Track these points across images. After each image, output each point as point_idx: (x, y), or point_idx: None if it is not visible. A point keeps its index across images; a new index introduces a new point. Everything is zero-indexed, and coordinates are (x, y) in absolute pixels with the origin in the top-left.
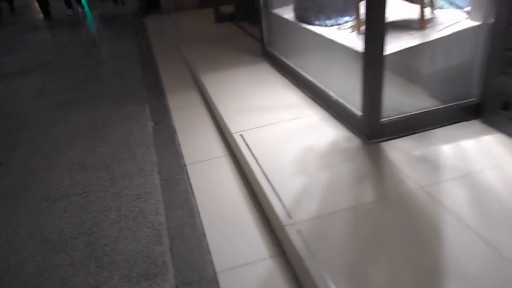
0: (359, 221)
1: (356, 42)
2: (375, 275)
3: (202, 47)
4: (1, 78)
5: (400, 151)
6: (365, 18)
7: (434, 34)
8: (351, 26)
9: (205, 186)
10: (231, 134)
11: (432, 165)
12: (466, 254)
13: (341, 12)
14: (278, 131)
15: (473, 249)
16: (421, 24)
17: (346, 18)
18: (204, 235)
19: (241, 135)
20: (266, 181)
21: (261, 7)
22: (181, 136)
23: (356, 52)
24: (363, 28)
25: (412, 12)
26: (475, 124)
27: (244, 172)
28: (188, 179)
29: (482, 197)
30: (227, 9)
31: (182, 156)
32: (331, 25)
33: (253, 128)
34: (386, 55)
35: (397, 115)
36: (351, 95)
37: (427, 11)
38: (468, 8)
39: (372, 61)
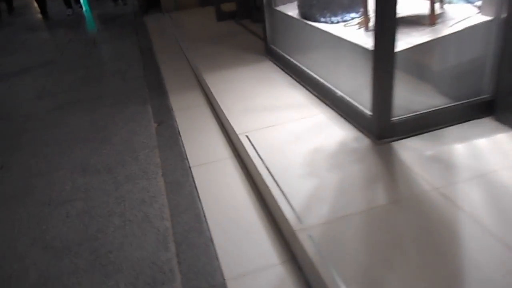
0: (372, 225)
1: (364, 39)
2: (390, 281)
3: (203, 46)
4: (1, 79)
5: (411, 151)
6: (373, 14)
7: (445, 30)
8: (358, 23)
9: (211, 189)
10: (236, 135)
11: (446, 165)
12: (486, 258)
13: (347, 8)
14: (284, 131)
15: (493, 253)
16: (431, 19)
17: (353, 15)
18: (211, 240)
19: (246, 136)
20: (275, 184)
21: (264, 5)
22: (185, 137)
23: (365, 49)
24: (371, 24)
25: (422, 7)
26: (487, 122)
27: (250, 174)
28: (193, 182)
29: (500, 198)
30: (228, 7)
31: (186, 158)
32: (337, 22)
33: (259, 129)
34: (397, 52)
35: (407, 114)
36: (359, 94)
37: (437, 6)
38: (479, 3)
39: (383, 58)
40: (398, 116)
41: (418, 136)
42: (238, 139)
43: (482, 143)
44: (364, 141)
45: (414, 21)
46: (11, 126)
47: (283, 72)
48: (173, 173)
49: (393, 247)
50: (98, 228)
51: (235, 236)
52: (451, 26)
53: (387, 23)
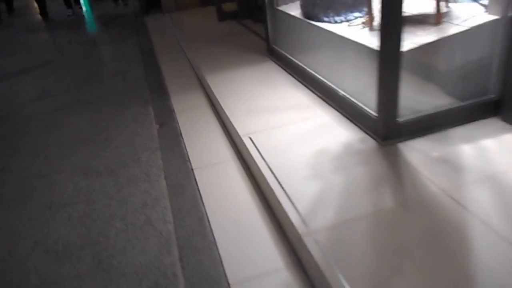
0: (379, 229)
1: (369, 38)
2: (398, 286)
3: (205, 46)
4: (1, 80)
5: (418, 152)
6: (377, 14)
7: (451, 29)
8: (362, 22)
9: (214, 191)
10: (239, 136)
11: (453, 166)
12: (496, 261)
13: (351, 8)
14: (288, 133)
15: (503, 256)
16: (437, 18)
17: (356, 14)
18: (215, 244)
19: (250, 137)
20: (279, 186)
21: (266, 5)
22: (187, 139)
23: (370, 49)
24: (375, 24)
25: (427, 6)
26: (494, 122)
27: (254, 177)
28: (196, 184)
29: (509, 199)
30: (229, 7)
31: (188, 160)
32: (341, 22)
33: (262, 130)
34: (402, 52)
35: (413, 115)
36: (364, 94)
37: (442, 4)
38: (486, 1)
39: (389, 58)
40: (403, 117)
41: (424, 137)
42: (241, 140)
43: (489, 143)
44: (369, 143)
45: (419, 20)
46: (12, 128)
47: (285, 72)
48: (176, 176)
49: (400, 250)
50: (100, 232)
51: (239, 240)
52: (457, 25)
53: (393, 22)
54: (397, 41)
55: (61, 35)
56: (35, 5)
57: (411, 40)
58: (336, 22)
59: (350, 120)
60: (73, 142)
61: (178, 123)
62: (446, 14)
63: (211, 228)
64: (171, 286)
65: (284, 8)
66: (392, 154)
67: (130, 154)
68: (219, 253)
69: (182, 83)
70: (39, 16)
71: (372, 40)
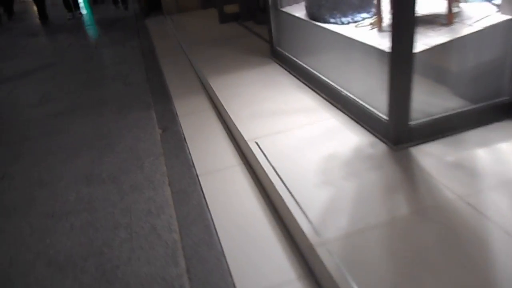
0: (395, 238)
1: (378, 40)
2: None
3: (207, 49)
4: (2, 84)
5: (431, 157)
6: (386, 14)
7: (463, 30)
8: (371, 23)
9: (220, 198)
10: (245, 141)
11: (469, 171)
12: None
13: (358, 8)
14: (295, 137)
15: None
16: (448, 19)
17: (363, 15)
18: (223, 254)
19: (256, 142)
20: (288, 193)
21: (269, 6)
22: (191, 144)
23: (381, 51)
24: (385, 25)
25: (437, 5)
26: (508, 125)
27: (261, 183)
28: (202, 191)
29: None
30: (231, 9)
31: (193, 166)
32: (348, 23)
33: (269, 135)
34: (414, 53)
35: (425, 118)
36: (373, 97)
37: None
38: (498, 1)
39: (400, 60)
40: (415, 120)
41: (437, 141)
42: (247, 145)
43: (505, 147)
44: (380, 147)
45: (430, 21)
46: (12, 133)
47: (290, 75)
48: (180, 182)
49: (418, 261)
50: (104, 242)
51: (248, 249)
52: (469, 25)
53: (405, 23)
54: (410, 42)
55: (62, 38)
56: (35, 8)
57: (422, 41)
58: (342, 23)
59: (359, 124)
60: (74, 148)
61: (181, 128)
62: (458, 14)
63: (218, 237)
64: None
65: (288, 9)
66: (404, 159)
67: (133, 160)
68: (227, 264)
69: (184, 86)
70: (39, 20)
71: (382, 42)
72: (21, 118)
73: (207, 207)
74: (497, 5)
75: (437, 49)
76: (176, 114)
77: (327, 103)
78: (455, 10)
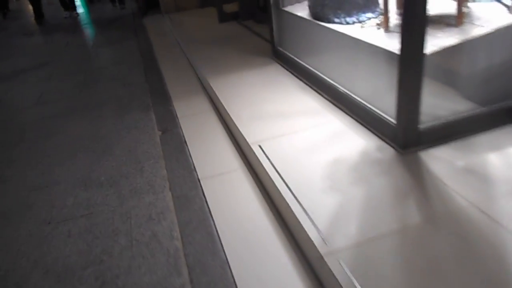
0: (407, 248)
1: (386, 40)
2: None
3: (207, 49)
4: None
5: (441, 162)
6: (393, 14)
7: (474, 31)
8: (377, 24)
9: (223, 204)
10: (248, 144)
11: (481, 177)
12: None
13: (363, 8)
14: (299, 140)
15: None
16: (458, 19)
17: (369, 15)
18: (227, 263)
19: (259, 146)
20: (294, 200)
21: (271, 5)
22: (191, 146)
23: (389, 52)
24: (392, 25)
25: (446, 6)
26: None
27: (265, 188)
28: (204, 196)
29: None
30: (231, 7)
31: (194, 170)
32: (353, 23)
33: (272, 138)
34: (425, 55)
35: (434, 121)
36: (380, 99)
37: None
38: (509, 2)
39: (410, 62)
40: (424, 124)
41: (446, 145)
42: (250, 149)
43: None
44: (388, 151)
45: (439, 21)
46: (8, 135)
47: (292, 76)
48: (181, 187)
49: (432, 271)
50: (103, 249)
51: (253, 258)
52: (479, 26)
53: (416, 24)
54: (420, 44)
55: (58, 38)
56: (30, 7)
57: (431, 42)
58: (347, 23)
59: (365, 127)
60: (72, 150)
61: (181, 129)
62: (467, 14)
63: (222, 245)
64: None
65: (290, 9)
66: (413, 164)
67: (133, 163)
68: (232, 274)
69: (184, 86)
70: (34, 19)
71: (389, 42)
72: (17, 119)
73: (210, 213)
74: (507, 6)
75: (447, 51)
76: (176, 115)
77: (331, 105)
78: (464, 10)
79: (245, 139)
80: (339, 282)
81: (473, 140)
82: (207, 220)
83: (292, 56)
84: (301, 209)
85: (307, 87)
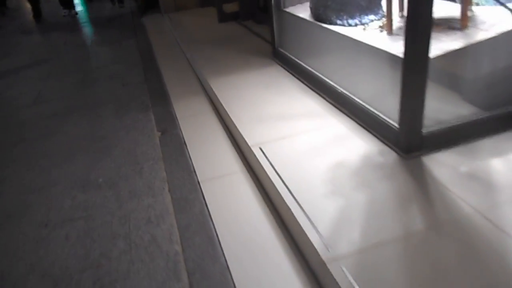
0: (411, 255)
1: (389, 43)
2: None
3: (206, 49)
4: None
5: (445, 167)
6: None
7: (478, 35)
8: (380, 26)
9: (223, 207)
10: (248, 147)
11: (485, 183)
12: None
13: (365, 10)
14: (301, 143)
15: None
16: (462, 23)
17: (371, 17)
18: (227, 268)
19: (260, 148)
20: (296, 204)
21: (272, 6)
22: (191, 147)
23: (392, 55)
24: (396, 27)
25: (450, 9)
26: None
27: (266, 191)
28: (204, 198)
29: None
30: (231, 7)
31: (194, 172)
32: (355, 25)
33: (273, 140)
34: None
35: (437, 126)
36: (383, 103)
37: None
38: None
39: (415, 66)
40: (427, 128)
41: (449, 149)
42: (251, 151)
43: None
44: (390, 155)
45: (443, 24)
46: (5, 135)
47: (292, 77)
48: (181, 189)
49: (436, 279)
50: (101, 253)
51: (254, 264)
52: (484, 30)
53: (421, 27)
54: (425, 47)
55: (56, 36)
56: (28, 5)
57: (435, 46)
58: (350, 25)
59: (367, 130)
60: (70, 151)
61: (181, 130)
62: (470, 18)
63: (222, 249)
64: None
65: (291, 9)
66: (416, 169)
67: (131, 165)
68: (232, 280)
69: (183, 87)
70: (32, 17)
71: (393, 45)
72: (15, 118)
73: (210, 216)
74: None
75: (451, 55)
76: (175, 116)
77: (333, 107)
78: (468, 14)
79: (246, 141)
80: None
81: (476, 145)
82: (207, 223)
83: (293, 58)
84: (303, 214)
85: (308, 89)
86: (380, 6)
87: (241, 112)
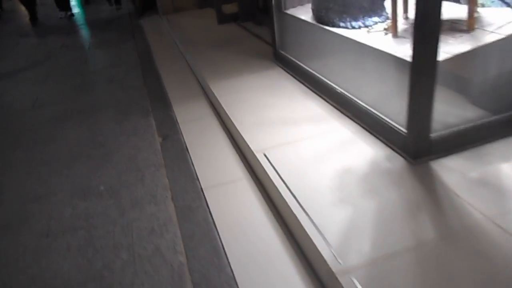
0: (424, 265)
1: (395, 46)
2: None
3: (206, 51)
4: None
5: (453, 172)
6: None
7: (485, 37)
8: (385, 28)
9: (228, 216)
10: (252, 152)
11: (494, 188)
12: None
13: (369, 12)
14: (306, 148)
15: None
16: (470, 25)
17: (375, 19)
18: (234, 279)
19: (264, 154)
20: (303, 213)
21: (273, 8)
22: (193, 153)
23: (399, 59)
24: (401, 30)
25: (456, 10)
26: None
27: (271, 199)
28: (208, 207)
29: None
30: (230, 8)
31: (197, 179)
32: (359, 27)
33: (277, 146)
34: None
35: (445, 130)
36: (389, 107)
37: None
38: None
39: (423, 69)
40: (435, 132)
41: (457, 154)
42: (255, 157)
43: None
44: (398, 161)
45: (450, 27)
46: (3, 140)
47: (295, 80)
48: (184, 197)
49: None
50: (104, 264)
51: (261, 275)
52: (492, 32)
53: (429, 29)
54: (434, 50)
55: (53, 39)
56: (23, 8)
57: (443, 48)
58: (353, 27)
59: (373, 135)
60: (69, 158)
61: (182, 136)
62: (477, 19)
63: (227, 259)
64: None
65: (292, 11)
66: (425, 175)
67: (133, 172)
68: None
69: (183, 90)
70: (28, 20)
71: (399, 48)
72: (12, 124)
73: (214, 225)
74: None
75: (459, 58)
76: (176, 120)
77: (337, 111)
78: (475, 15)
79: (249, 147)
80: None
81: (485, 149)
82: (211, 232)
83: (295, 60)
84: (311, 224)
85: (310, 92)
86: (383, 7)
87: (243, 116)
